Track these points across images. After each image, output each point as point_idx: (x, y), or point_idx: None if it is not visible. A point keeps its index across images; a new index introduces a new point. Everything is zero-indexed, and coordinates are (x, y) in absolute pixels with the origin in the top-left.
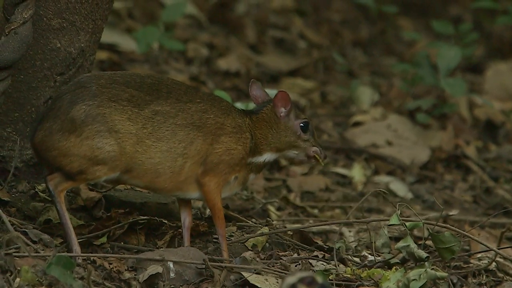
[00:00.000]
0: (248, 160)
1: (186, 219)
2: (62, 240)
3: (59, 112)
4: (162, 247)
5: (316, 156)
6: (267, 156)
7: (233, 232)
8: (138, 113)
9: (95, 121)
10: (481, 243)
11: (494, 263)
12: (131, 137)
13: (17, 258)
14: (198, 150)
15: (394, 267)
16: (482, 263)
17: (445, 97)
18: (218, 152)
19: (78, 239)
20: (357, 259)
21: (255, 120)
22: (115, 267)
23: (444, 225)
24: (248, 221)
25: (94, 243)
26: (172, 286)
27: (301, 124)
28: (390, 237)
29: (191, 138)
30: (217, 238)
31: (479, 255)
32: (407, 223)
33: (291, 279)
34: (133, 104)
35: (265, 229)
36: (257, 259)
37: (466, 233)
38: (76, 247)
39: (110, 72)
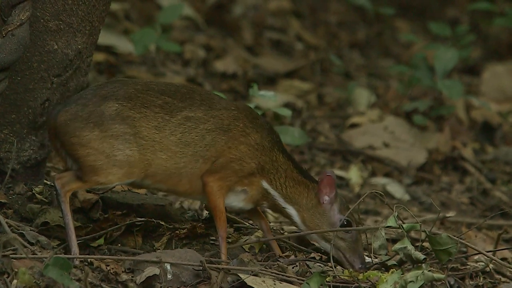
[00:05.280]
0: (263, 185)
1: (262, 225)
2: (59, 242)
3: (90, 102)
4: (159, 249)
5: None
6: (290, 210)
7: (230, 234)
8: (168, 120)
9: (124, 122)
10: (474, 249)
11: (491, 265)
12: (153, 144)
13: (14, 260)
14: (218, 151)
15: (391, 269)
16: (480, 264)
17: (442, 99)
18: (232, 158)
19: None
20: None
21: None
22: (112, 268)
23: (437, 232)
24: (245, 223)
25: (91, 245)
26: (169, 287)
27: (343, 221)
28: (387, 239)
29: (216, 140)
30: (214, 240)
31: (476, 257)
32: (404, 225)
33: None
34: (165, 110)
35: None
36: (254, 260)
37: (460, 240)
38: (75, 249)
39: (147, 80)
